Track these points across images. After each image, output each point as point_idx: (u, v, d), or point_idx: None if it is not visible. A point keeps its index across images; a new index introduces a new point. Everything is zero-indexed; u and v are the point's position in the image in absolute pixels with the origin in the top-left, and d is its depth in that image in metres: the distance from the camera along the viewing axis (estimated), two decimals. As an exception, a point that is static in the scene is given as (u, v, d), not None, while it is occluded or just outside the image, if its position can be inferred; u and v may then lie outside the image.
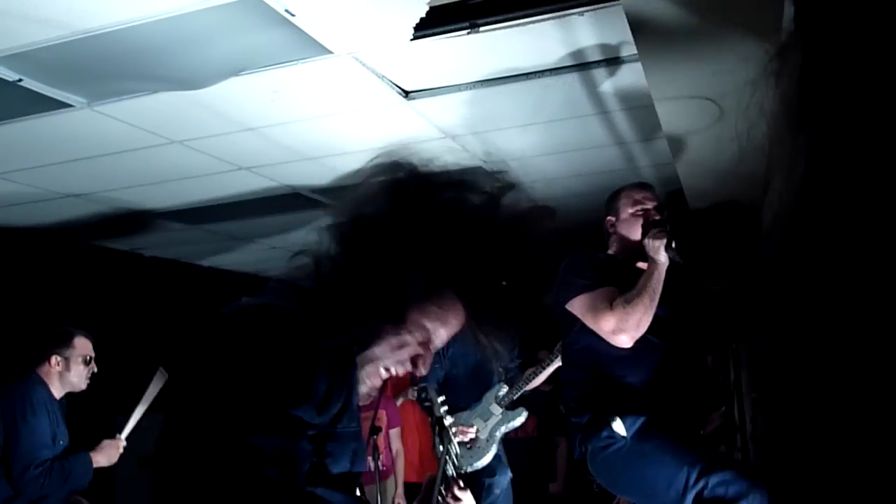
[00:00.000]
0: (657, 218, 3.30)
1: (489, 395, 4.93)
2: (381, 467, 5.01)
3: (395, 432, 5.77)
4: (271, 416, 1.35)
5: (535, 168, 5.21)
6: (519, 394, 4.95)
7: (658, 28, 2.66)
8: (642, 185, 3.51)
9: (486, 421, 4.87)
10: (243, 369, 1.39)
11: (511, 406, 4.92)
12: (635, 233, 3.32)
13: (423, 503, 1.87)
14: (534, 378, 4.93)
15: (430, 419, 2.92)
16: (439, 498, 1.83)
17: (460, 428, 4.75)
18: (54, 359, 3.87)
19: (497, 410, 4.88)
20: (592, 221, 6.80)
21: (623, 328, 2.99)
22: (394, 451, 5.75)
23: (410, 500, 5.71)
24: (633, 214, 3.34)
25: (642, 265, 3.25)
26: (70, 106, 3.66)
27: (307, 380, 1.42)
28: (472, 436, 4.79)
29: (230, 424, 1.34)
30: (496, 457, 4.88)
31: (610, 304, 3.05)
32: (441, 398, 2.37)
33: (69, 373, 3.89)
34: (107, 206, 5.47)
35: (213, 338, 1.47)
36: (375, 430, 4.78)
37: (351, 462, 1.54)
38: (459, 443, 4.78)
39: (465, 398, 4.87)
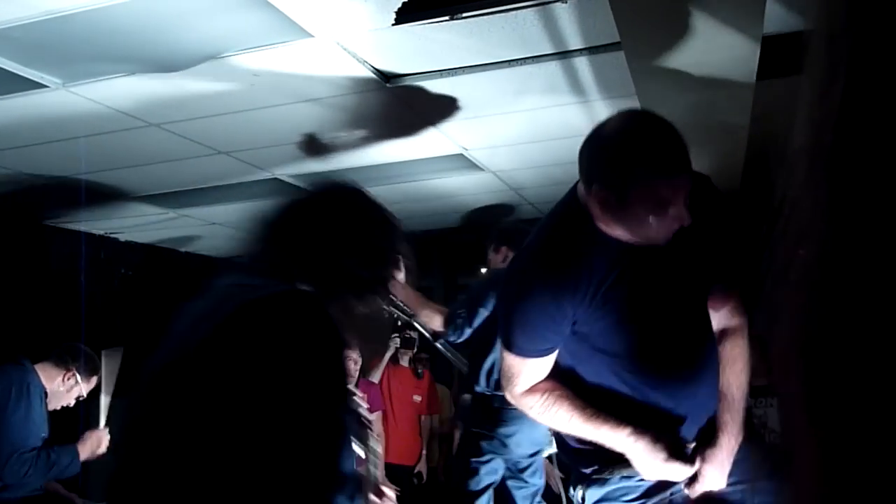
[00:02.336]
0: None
1: None
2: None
3: (375, 416, 5.81)
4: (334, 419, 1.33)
5: (515, 156, 5.21)
6: None
7: (640, 16, 2.66)
8: (675, 169, 1.92)
9: None
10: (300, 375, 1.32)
11: None
12: (639, 234, 1.98)
13: None
14: None
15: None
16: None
17: None
18: (70, 375, 3.86)
19: None
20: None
21: (524, 411, 2.16)
22: (377, 434, 5.80)
23: (393, 482, 5.74)
24: (646, 213, 1.91)
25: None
26: (44, 86, 3.60)
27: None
28: None
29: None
30: None
31: (531, 388, 2.09)
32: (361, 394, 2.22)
33: (69, 394, 3.89)
34: (83, 189, 5.40)
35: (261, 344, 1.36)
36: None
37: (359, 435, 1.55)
38: None
39: None
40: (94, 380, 3.97)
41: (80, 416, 4.72)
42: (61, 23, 2.97)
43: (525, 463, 4.34)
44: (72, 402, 3.96)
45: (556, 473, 5.49)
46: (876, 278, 0.37)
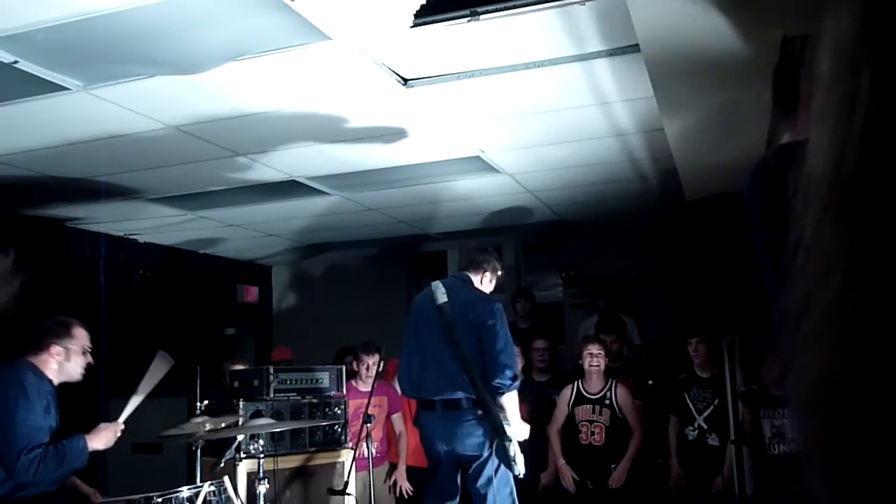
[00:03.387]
0: None
1: None
2: (374, 454, 5.01)
3: (396, 417, 5.83)
4: None
5: (532, 158, 5.20)
6: None
7: (659, 17, 2.65)
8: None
9: None
10: None
11: None
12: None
13: None
14: None
15: None
16: None
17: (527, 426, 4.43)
18: (54, 348, 3.87)
19: None
20: (588, 211, 6.82)
21: None
22: (397, 432, 5.82)
23: (413, 484, 5.74)
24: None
25: None
26: (66, 89, 3.64)
27: None
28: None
29: None
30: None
31: None
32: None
33: (69, 363, 3.90)
34: (102, 191, 5.45)
35: None
36: (368, 418, 4.78)
37: None
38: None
39: None
40: (78, 334, 3.90)
41: (101, 411, 4.72)
42: (83, 26, 3.00)
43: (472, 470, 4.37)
44: (85, 364, 3.91)
45: (571, 474, 5.47)
46: None
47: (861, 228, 0.37)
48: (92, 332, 4.08)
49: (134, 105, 3.90)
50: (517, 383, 4.30)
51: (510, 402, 4.27)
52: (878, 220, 0.36)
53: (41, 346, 3.88)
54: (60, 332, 3.93)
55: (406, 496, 5.76)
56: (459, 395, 4.26)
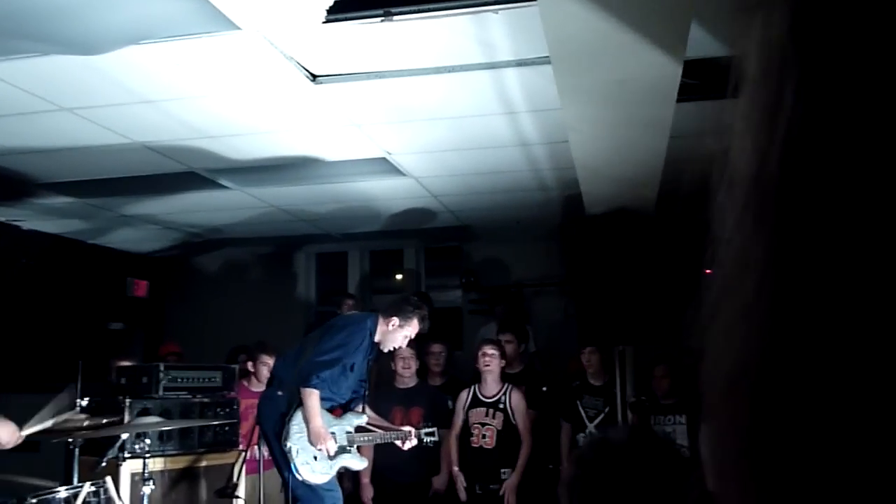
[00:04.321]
0: None
1: (349, 419, 4.74)
2: (265, 456, 4.90)
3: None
4: None
5: (437, 163, 5.23)
6: (366, 443, 4.93)
7: (570, 32, 2.71)
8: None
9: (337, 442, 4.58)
10: None
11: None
12: None
13: None
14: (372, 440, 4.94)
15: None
16: None
17: (326, 437, 4.44)
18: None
19: (345, 441, 4.65)
20: (490, 218, 6.90)
21: None
22: None
23: None
24: None
25: None
26: (-51, 61, 3.42)
27: None
28: (332, 451, 4.49)
29: None
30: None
31: None
32: None
33: None
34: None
35: None
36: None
37: None
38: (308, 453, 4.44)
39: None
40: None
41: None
42: (-28, -4, 2.83)
43: None
44: None
45: (462, 481, 5.49)
46: (825, 310, 0.36)
47: (779, 233, 0.37)
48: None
49: (25, 84, 3.70)
50: (311, 383, 4.41)
51: (307, 401, 4.41)
52: (796, 227, 0.37)
53: None
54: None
55: None
56: (277, 374, 4.68)
